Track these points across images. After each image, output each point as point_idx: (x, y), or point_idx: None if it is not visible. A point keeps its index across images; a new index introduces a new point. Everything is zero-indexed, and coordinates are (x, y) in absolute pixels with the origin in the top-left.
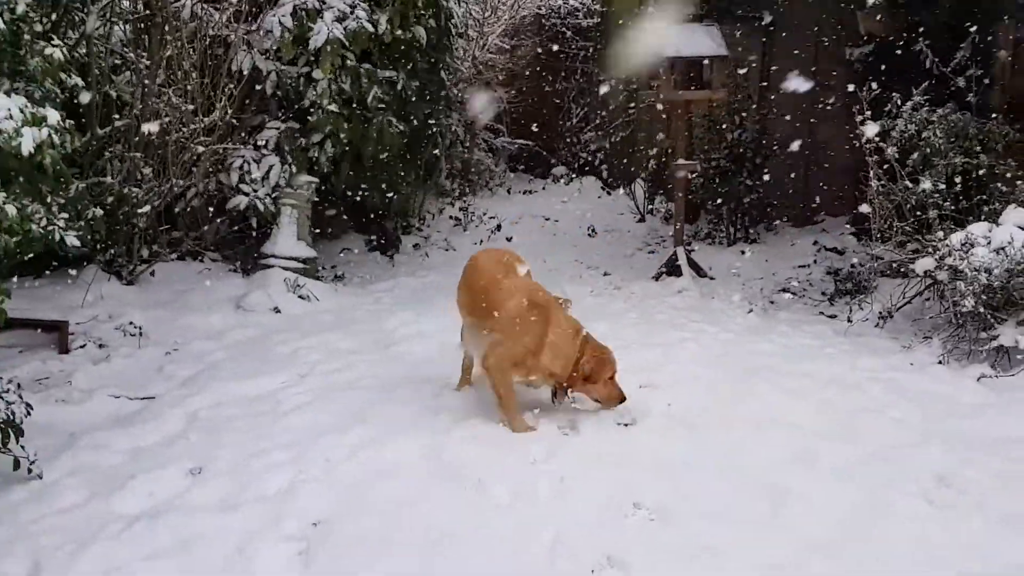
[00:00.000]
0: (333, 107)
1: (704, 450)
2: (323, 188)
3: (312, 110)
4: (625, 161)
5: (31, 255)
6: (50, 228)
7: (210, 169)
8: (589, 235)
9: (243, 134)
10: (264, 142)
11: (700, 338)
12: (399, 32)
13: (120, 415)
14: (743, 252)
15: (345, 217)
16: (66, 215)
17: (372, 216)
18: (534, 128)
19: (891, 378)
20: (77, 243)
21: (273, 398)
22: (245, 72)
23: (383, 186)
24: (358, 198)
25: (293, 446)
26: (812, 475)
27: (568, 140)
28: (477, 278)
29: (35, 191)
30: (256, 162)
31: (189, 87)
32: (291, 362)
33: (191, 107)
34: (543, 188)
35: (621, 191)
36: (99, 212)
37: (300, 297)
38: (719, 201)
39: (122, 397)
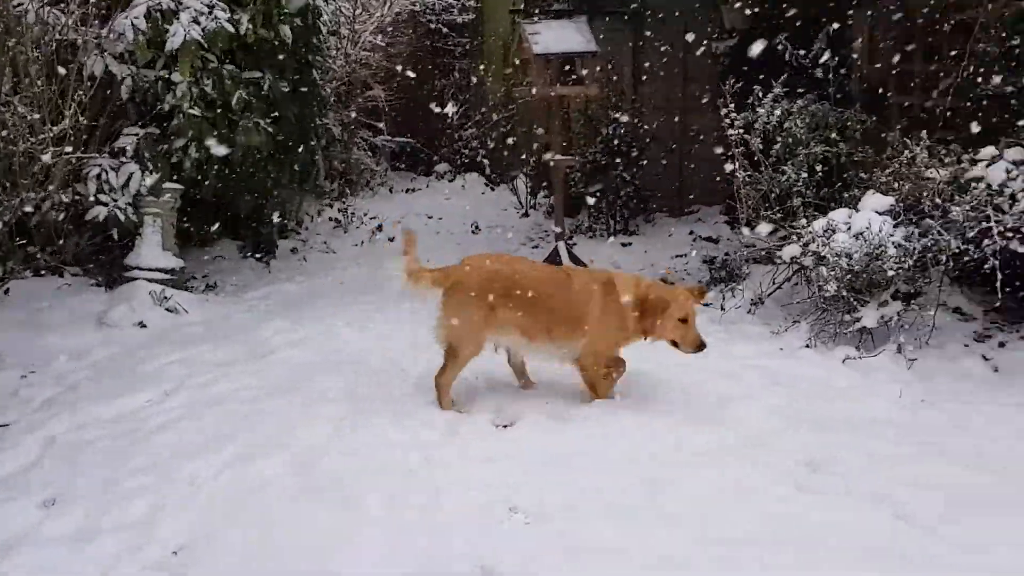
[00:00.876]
0: (195, 111)
1: (581, 446)
2: (191, 194)
3: (173, 114)
4: (507, 156)
5: None
6: None
7: (66, 179)
8: (473, 232)
9: (100, 142)
10: (122, 149)
11: None
12: (262, 32)
13: None
14: (623, 244)
15: (217, 223)
16: None
17: (246, 221)
18: (415, 126)
19: (762, 364)
20: None
21: (137, 417)
22: (98, 76)
23: (256, 190)
24: (229, 203)
25: (156, 468)
26: (687, 464)
27: (450, 137)
28: (519, 287)
29: None
30: (114, 170)
31: (34, 94)
32: (157, 379)
33: (37, 116)
34: (426, 186)
35: (504, 187)
36: None
37: (167, 310)
38: (598, 195)
39: None
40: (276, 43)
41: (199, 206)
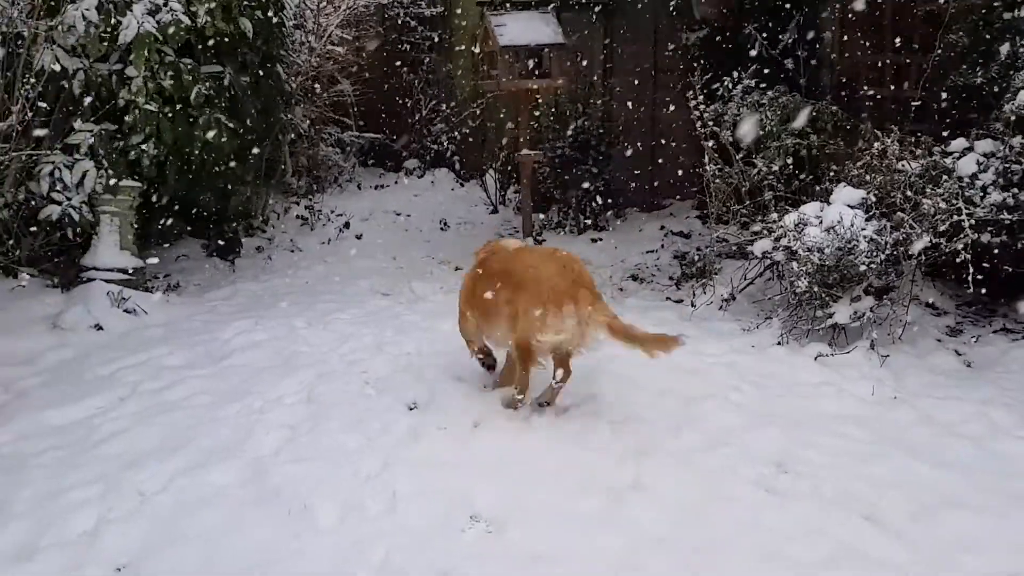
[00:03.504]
0: (151, 106)
1: (543, 450)
2: (151, 192)
3: (129, 110)
4: (476, 152)
5: None
6: None
7: (18, 178)
8: (442, 229)
9: (52, 139)
10: (76, 146)
11: None
12: (221, 24)
13: None
14: (593, 240)
15: (180, 222)
16: None
17: (209, 220)
18: (385, 121)
19: (733, 361)
20: None
21: (87, 426)
22: (47, 70)
23: (218, 188)
24: (192, 201)
25: (103, 479)
26: (652, 466)
27: (419, 132)
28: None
29: None
30: (68, 168)
31: None
32: (111, 384)
33: None
34: (395, 182)
35: (474, 182)
36: None
37: (126, 311)
38: (566, 190)
39: None
40: (237, 36)
41: (160, 204)
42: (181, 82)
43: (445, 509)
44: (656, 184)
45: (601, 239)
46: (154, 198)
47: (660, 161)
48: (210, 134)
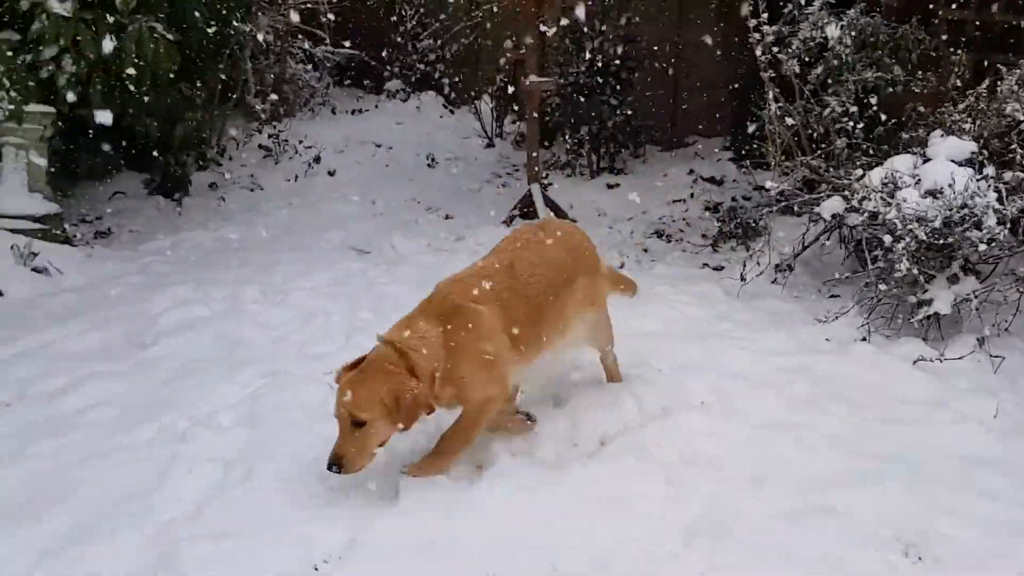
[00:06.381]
0: (64, 11)
1: (564, 514)
2: (77, 119)
3: (35, 15)
4: (469, 73)
5: None
6: None
7: None
8: (429, 165)
9: None
10: None
11: None
12: None
13: None
14: (609, 186)
15: (115, 153)
16: None
17: (151, 150)
18: (365, 35)
19: (807, 364)
20: None
21: None
22: None
23: (161, 112)
24: (127, 129)
25: None
26: (728, 550)
27: (403, 48)
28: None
29: None
30: None
31: None
32: None
33: None
34: (375, 107)
35: (466, 109)
36: None
37: (34, 270)
38: (579, 125)
39: None
40: None
41: (88, 134)
42: None
43: None
44: (680, 119)
45: (619, 184)
46: (80, 126)
47: (686, 91)
48: (143, 46)
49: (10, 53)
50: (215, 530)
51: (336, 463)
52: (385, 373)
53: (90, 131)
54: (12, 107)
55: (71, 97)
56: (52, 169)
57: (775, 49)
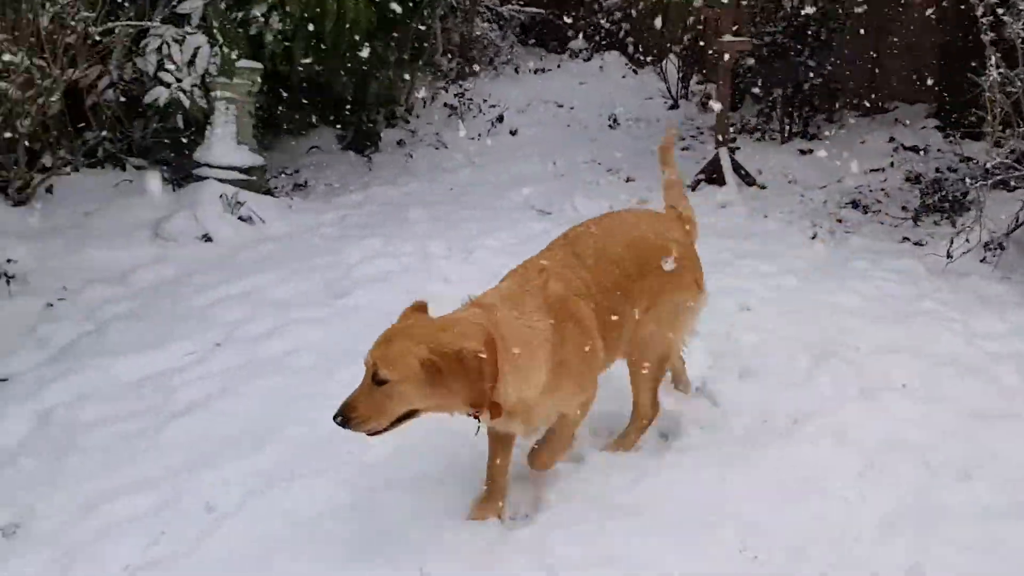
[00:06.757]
0: None
1: (763, 488)
2: (279, 75)
3: None
4: (655, 32)
5: None
6: None
7: (127, 52)
8: (610, 126)
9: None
10: (186, 16)
11: (753, 286)
12: None
13: None
14: (802, 151)
15: (312, 110)
16: None
17: (344, 107)
18: None
19: (1019, 351)
20: None
21: (164, 386)
22: None
23: (356, 70)
24: (324, 86)
25: (164, 482)
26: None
27: (588, 6)
28: None
29: None
30: (178, 42)
31: None
32: (205, 322)
33: None
34: (558, 66)
35: (650, 69)
36: None
37: (240, 219)
38: (771, 87)
39: None
40: None
41: (289, 89)
42: None
43: None
44: (880, 82)
45: (812, 150)
46: (282, 82)
47: (887, 53)
48: (346, 4)
49: (224, 8)
50: (413, 474)
51: (343, 414)
52: (439, 337)
53: (290, 87)
54: (226, 63)
55: (277, 52)
56: (256, 123)
57: (1000, 11)
